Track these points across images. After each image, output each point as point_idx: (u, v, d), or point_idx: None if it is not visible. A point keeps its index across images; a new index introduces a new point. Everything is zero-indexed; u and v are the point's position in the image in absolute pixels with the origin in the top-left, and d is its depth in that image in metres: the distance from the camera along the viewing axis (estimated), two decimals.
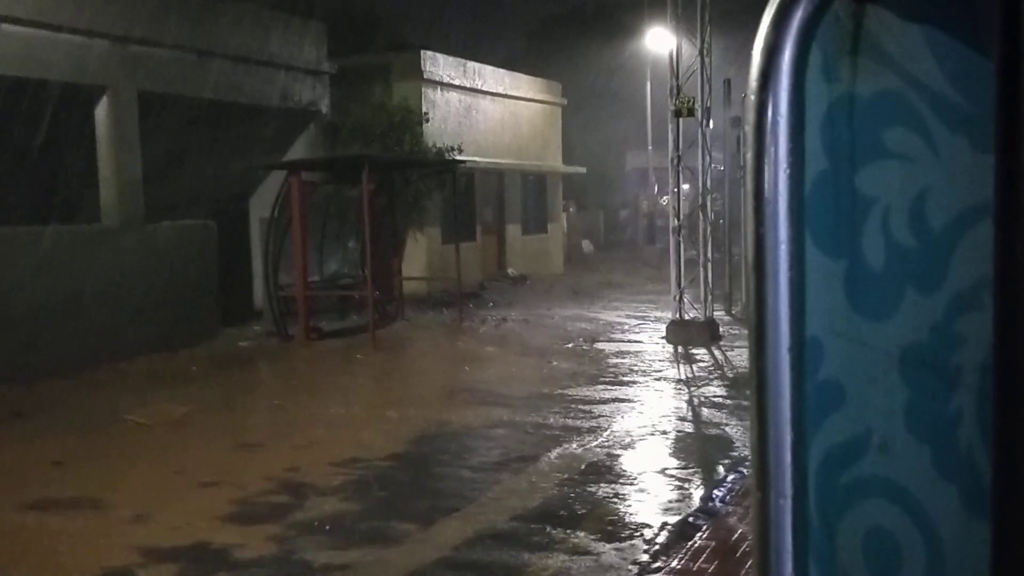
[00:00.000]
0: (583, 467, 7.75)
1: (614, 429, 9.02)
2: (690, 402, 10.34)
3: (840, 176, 1.13)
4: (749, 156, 1.01)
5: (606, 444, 8.49)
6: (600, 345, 14.20)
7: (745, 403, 8.44)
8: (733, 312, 17.26)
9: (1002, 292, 0.97)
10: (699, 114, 14.11)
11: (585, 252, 33.60)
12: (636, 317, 17.43)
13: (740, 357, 12.75)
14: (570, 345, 14.26)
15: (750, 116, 1.00)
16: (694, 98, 13.97)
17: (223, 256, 15.32)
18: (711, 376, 11.80)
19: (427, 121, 20.01)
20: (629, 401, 10.33)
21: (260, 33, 16.29)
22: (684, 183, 14.83)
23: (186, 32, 14.60)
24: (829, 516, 1.17)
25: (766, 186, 1.01)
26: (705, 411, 9.92)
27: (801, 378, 1.04)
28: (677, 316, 14.29)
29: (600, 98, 37.03)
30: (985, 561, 1.07)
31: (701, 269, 14.25)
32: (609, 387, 11.06)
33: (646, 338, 14.90)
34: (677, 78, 14.20)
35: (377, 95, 19.82)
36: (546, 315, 18.02)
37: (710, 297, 14.30)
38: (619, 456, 8.17)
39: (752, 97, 1.00)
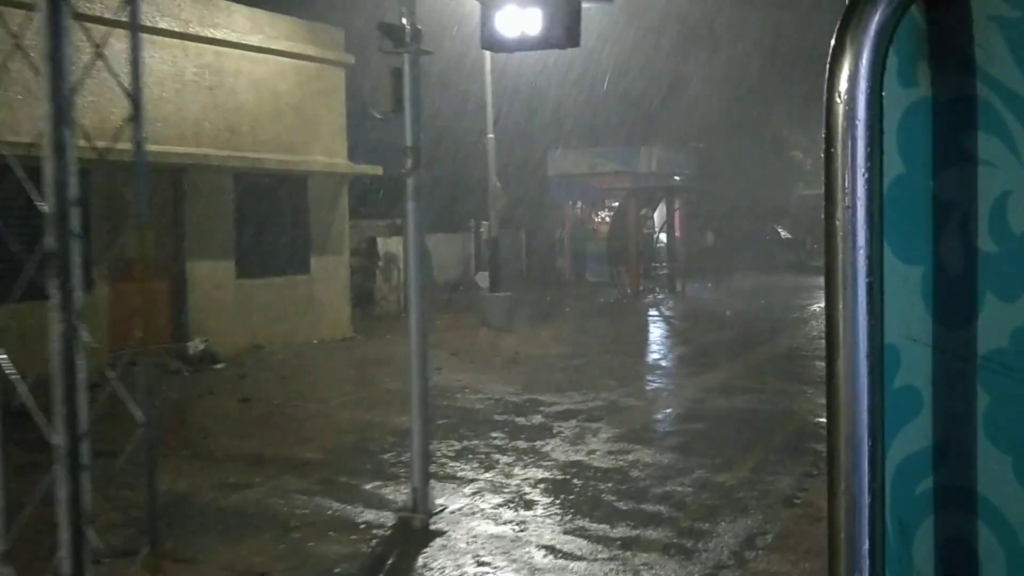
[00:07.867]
0: None
1: None
2: None
3: (918, 181, 1.12)
4: (829, 160, 1.01)
5: None
6: None
7: None
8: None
9: None
10: None
11: (481, 288, 23.48)
12: None
13: None
14: None
15: (835, 121, 0.99)
16: None
17: None
18: None
19: None
20: None
21: None
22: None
23: None
24: (906, 525, 1.15)
25: (846, 191, 1.00)
26: None
27: (878, 385, 1.03)
28: None
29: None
30: None
31: None
32: None
33: None
34: None
35: None
36: None
37: None
38: None
39: (833, 102, 1.00)
